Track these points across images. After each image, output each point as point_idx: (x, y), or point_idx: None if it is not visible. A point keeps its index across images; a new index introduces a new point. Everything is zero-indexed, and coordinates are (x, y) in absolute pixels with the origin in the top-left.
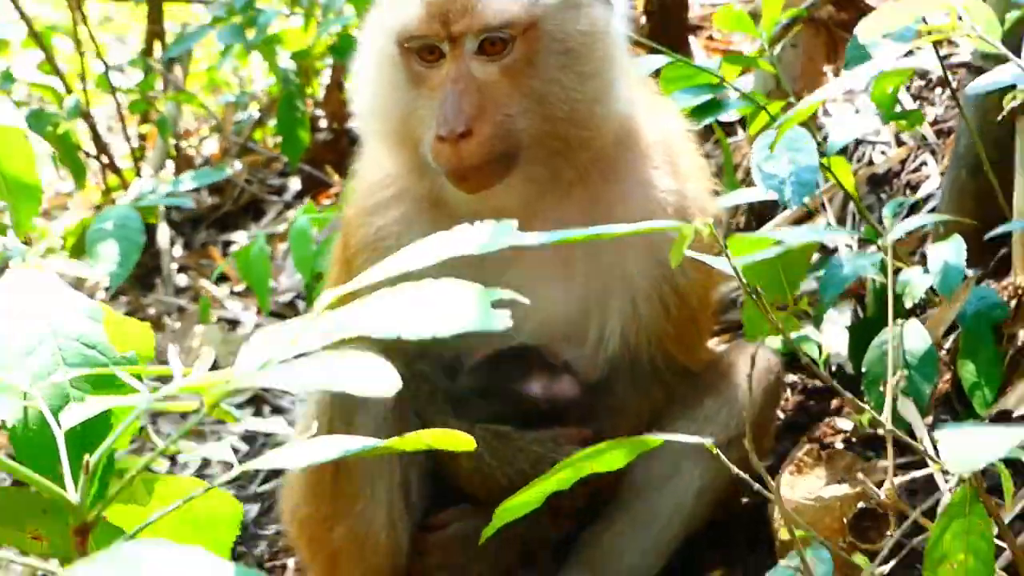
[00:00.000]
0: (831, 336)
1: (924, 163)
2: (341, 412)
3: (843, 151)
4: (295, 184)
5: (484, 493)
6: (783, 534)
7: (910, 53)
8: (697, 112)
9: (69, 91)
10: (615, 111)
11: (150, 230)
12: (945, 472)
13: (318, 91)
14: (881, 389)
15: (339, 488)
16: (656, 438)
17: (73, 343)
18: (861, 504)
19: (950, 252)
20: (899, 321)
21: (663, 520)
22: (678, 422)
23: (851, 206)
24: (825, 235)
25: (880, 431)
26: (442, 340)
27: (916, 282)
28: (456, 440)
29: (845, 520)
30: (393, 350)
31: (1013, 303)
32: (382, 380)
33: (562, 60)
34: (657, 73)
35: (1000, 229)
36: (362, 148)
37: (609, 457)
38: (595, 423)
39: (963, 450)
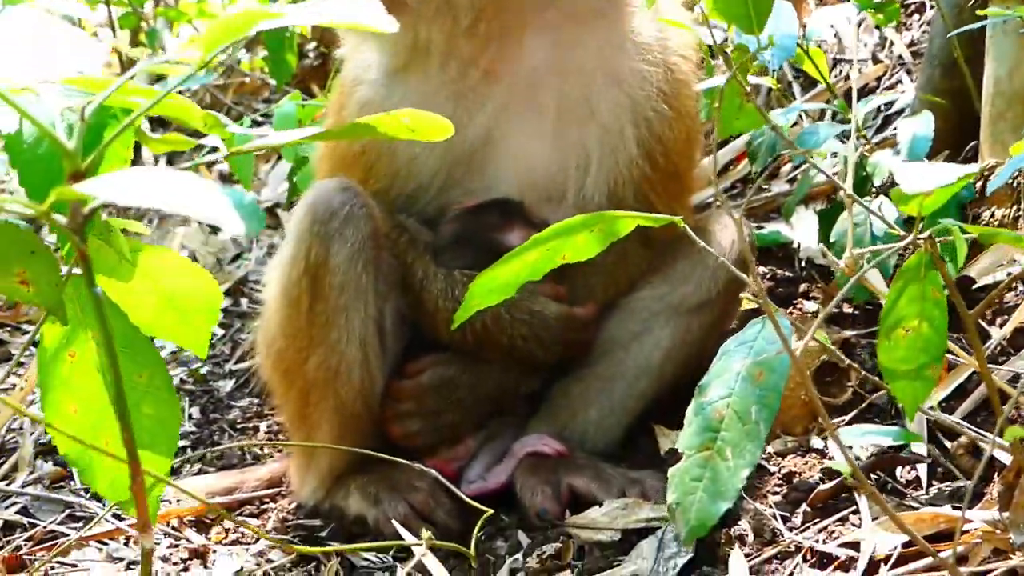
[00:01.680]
0: (801, 230)
1: (900, 81)
2: (319, 241)
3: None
4: None
5: (460, 337)
6: None
7: None
8: None
9: None
10: None
11: (136, 150)
12: (902, 237)
13: (306, 31)
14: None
15: (314, 317)
16: (626, 219)
17: (69, 69)
18: (824, 357)
19: (919, 124)
20: (867, 199)
21: (630, 377)
22: (650, 283)
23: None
24: (802, 106)
25: (846, 309)
26: (426, 192)
27: (885, 162)
28: (434, 126)
29: (808, 372)
30: (380, 200)
31: (979, 184)
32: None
33: None
34: None
35: None
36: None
37: (582, 241)
38: (571, 282)
39: (917, 178)
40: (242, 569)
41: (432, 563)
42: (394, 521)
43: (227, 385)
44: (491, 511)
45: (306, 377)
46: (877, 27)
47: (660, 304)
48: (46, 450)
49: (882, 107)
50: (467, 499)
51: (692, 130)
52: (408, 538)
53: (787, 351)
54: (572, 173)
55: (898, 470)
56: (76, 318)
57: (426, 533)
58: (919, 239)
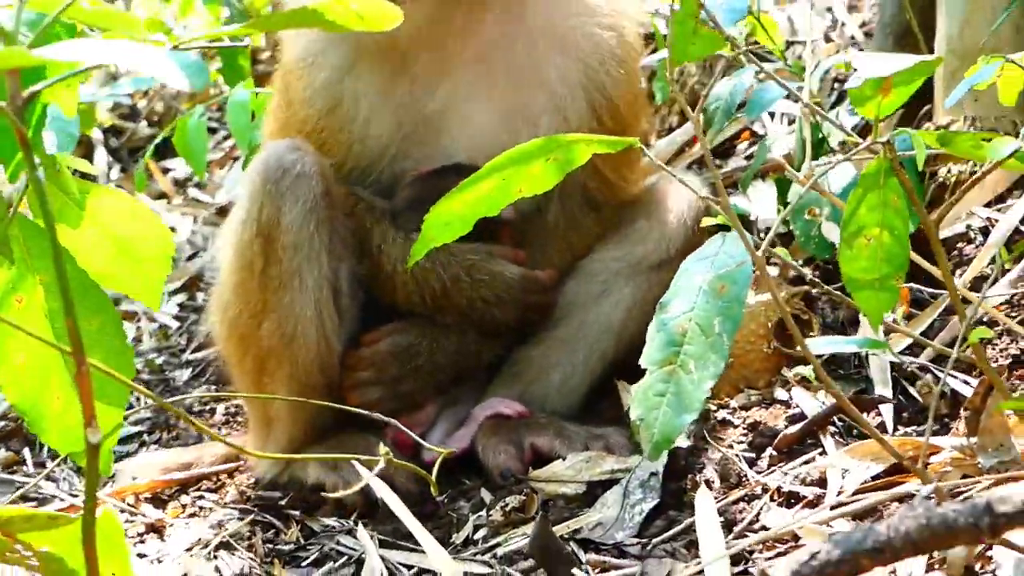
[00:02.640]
0: (759, 203)
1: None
2: (271, 200)
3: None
4: None
5: (419, 299)
6: None
7: None
8: None
9: None
10: None
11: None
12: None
13: (258, 40)
14: (807, 217)
15: (267, 280)
16: (581, 144)
17: None
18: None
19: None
20: (825, 159)
21: (592, 337)
22: (608, 245)
23: None
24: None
25: (806, 270)
26: (380, 163)
27: (841, 121)
28: (383, 14)
29: (769, 325)
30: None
31: None
32: None
33: None
34: None
35: None
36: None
37: (537, 170)
38: (527, 248)
39: (874, 65)
40: (199, 540)
41: (399, 508)
42: (361, 468)
43: (184, 375)
44: (451, 449)
45: (261, 343)
46: (828, 9)
47: (619, 264)
48: None
49: (835, 84)
50: (421, 442)
51: (639, 95)
52: (366, 477)
53: (752, 257)
54: (522, 140)
55: (864, 416)
56: (23, 261)
57: (383, 449)
58: (878, 143)
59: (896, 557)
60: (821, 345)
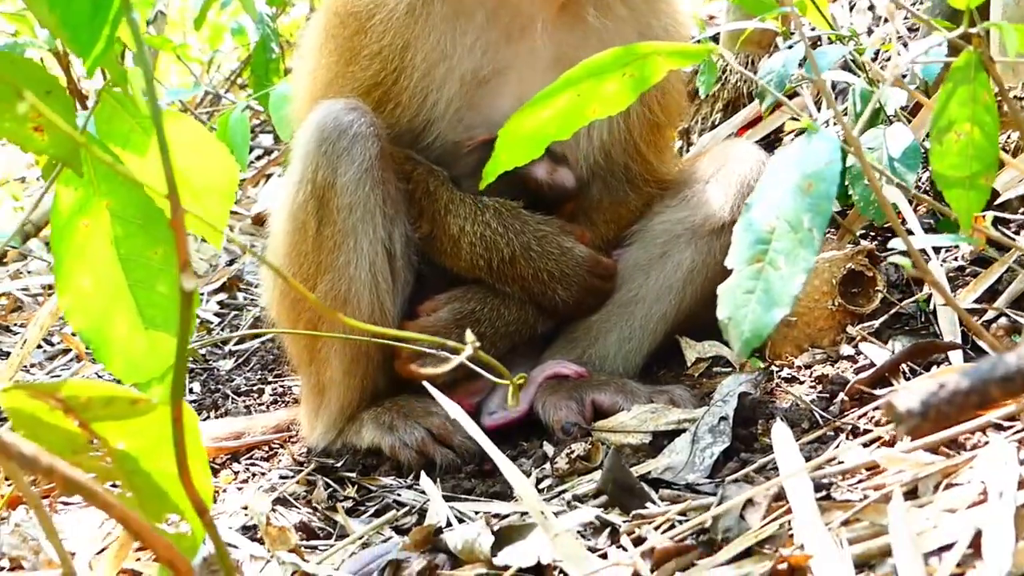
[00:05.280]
0: None
1: (898, 53)
2: (327, 161)
3: None
4: (268, 139)
5: (484, 264)
6: None
7: None
8: None
9: None
10: None
11: None
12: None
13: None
14: (866, 183)
15: (321, 241)
16: (657, 56)
17: None
18: (849, 265)
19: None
20: (881, 126)
21: (651, 299)
22: (671, 206)
23: None
24: (807, 34)
25: (863, 242)
26: (440, 120)
27: (897, 92)
28: None
29: (834, 282)
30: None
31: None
32: None
33: None
34: None
35: None
36: None
37: (612, 89)
38: (576, 219)
39: None
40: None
41: (476, 433)
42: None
43: (227, 364)
44: (522, 376)
45: (314, 307)
46: (870, 8)
47: (680, 227)
48: None
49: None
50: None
51: (683, 92)
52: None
53: (850, 140)
54: None
55: (932, 368)
56: (91, 184)
57: (470, 337)
58: (968, 33)
59: None
60: (921, 241)
